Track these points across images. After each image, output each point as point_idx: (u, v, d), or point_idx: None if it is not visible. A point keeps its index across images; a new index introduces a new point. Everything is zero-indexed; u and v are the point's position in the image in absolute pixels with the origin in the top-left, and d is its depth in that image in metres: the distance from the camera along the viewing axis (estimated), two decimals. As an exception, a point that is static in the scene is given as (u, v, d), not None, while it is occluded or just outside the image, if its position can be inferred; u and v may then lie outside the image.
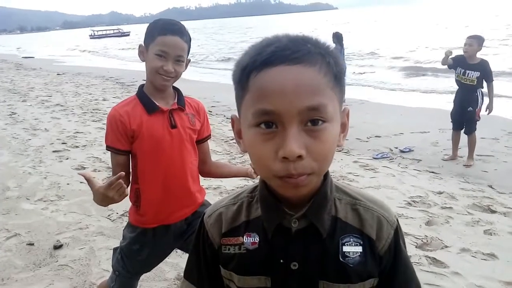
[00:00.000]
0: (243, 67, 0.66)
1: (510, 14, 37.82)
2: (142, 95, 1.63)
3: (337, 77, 0.66)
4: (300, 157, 0.61)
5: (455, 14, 51.73)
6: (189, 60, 1.65)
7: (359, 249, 0.73)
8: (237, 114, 0.74)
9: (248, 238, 0.76)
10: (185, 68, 1.64)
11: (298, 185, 0.65)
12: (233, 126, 0.76)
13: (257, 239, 0.76)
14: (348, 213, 0.76)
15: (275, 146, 0.63)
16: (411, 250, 2.88)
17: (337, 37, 6.75)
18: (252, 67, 0.64)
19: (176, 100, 1.66)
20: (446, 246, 2.93)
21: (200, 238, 0.84)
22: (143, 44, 1.60)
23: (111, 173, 5.02)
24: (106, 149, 1.63)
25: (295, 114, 0.61)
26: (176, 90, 1.70)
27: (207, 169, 1.84)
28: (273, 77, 0.62)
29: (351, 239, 0.74)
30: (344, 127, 0.72)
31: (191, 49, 1.65)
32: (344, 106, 0.71)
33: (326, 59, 0.65)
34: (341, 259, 0.73)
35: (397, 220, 0.78)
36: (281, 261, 0.74)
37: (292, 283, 0.74)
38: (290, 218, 0.73)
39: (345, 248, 0.73)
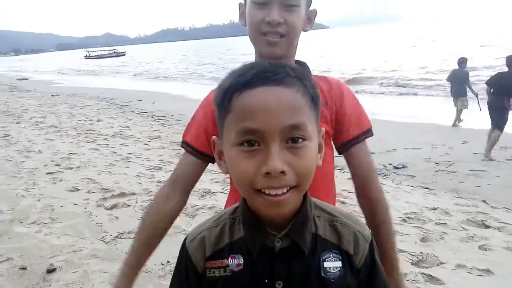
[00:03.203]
0: (226, 89, 0.69)
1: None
2: None
3: (314, 100, 0.71)
4: (282, 172, 0.64)
5: (440, 32, 52.75)
6: (315, 12, 1.14)
7: (338, 264, 0.76)
8: (215, 137, 0.78)
9: (233, 260, 0.77)
10: (309, 24, 1.13)
11: (280, 204, 0.67)
12: (213, 149, 0.79)
13: (241, 261, 0.76)
14: (326, 230, 0.78)
15: (258, 162, 0.65)
16: (406, 267, 2.87)
17: (462, 62, 8.16)
18: (234, 88, 0.68)
19: None
20: (442, 263, 2.93)
21: (182, 263, 0.83)
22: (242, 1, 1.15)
23: (105, 194, 4.94)
24: (181, 146, 1.20)
25: (278, 132, 0.65)
26: (303, 65, 1.16)
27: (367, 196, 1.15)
28: (256, 96, 0.66)
29: (331, 255, 0.76)
30: (320, 148, 0.75)
31: None
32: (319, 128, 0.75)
33: (303, 83, 0.69)
34: (323, 275, 0.75)
35: (372, 235, 0.81)
36: (266, 281, 0.75)
37: None
38: (274, 238, 0.74)
39: (326, 264, 0.76)
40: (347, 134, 1.11)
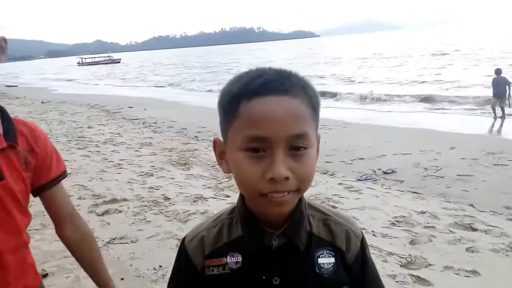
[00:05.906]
0: (233, 95, 0.72)
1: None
2: None
3: (315, 109, 0.75)
4: (286, 178, 0.69)
5: (427, 43, 53.63)
6: (3, 39, 1.03)
7: (332, 260, 0.80)
8: (220, 137, 0.80)
9: (232, 258, 0.80)
10: (2, 53, 1.03)
11: (281, 204, 0.71)
12: (215, 149, 0.82)
13: (240, 258, 0.80)
14: (320, 228, 0.83)
15: (262, 168, 0.69)
16: (396, 269, 2.93)
17: (499, 71, 10.20)
18: (243, 95, 0.71)
19: (1, 131, 0.98)
20: (430, 265, 2.99)
21: (181, 262, 0.85)
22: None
23: (97, 200, 4.94)
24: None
25: (283, 140, 0.68)
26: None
27: (66, 236, 1.22)
28: (264, 105, 0.69)
29: (325, 252, 0.81)
30: (317, 152, 0.78)
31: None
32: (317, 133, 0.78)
33: (307, 92, 0.73)
34: (317, 271, 0.79)
35: (362, 233, 0.86)
36: (264, 277, 0.79)
37: None
38: (271, 237, 0.79)
39: (320, 260, 0.80)
40: (48, 176, 1.09)
